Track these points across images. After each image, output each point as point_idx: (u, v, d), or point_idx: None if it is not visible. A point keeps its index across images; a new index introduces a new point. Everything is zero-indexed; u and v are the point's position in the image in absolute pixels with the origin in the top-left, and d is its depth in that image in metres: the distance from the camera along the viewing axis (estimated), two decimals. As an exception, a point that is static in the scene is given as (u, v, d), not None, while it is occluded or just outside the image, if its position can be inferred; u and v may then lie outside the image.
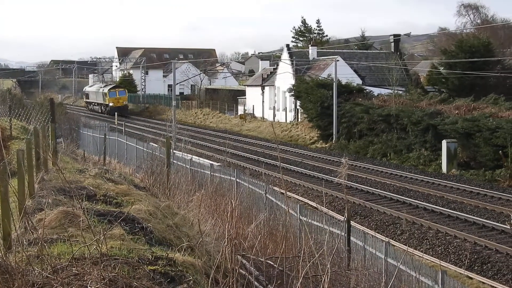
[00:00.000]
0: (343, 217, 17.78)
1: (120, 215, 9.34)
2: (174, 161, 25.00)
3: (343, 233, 15.12)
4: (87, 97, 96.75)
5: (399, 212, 25.19)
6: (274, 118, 65.71)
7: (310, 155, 43.35)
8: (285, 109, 63.63)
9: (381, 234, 22.29)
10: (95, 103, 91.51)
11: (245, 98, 75.57)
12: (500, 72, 47.92)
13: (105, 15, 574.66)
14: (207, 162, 30.29)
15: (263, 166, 33.39)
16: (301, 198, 28.72)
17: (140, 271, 6.95)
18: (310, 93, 51.17)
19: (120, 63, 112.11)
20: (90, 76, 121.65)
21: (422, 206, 26.60)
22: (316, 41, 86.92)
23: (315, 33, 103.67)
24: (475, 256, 20.00)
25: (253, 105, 71.79)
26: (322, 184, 30.93)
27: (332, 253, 9.26)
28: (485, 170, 33.48)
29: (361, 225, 23.70)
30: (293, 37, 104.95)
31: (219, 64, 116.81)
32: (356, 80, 55.59)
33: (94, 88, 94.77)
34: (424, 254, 19.88)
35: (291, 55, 63.78)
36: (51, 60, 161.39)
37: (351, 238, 15.24)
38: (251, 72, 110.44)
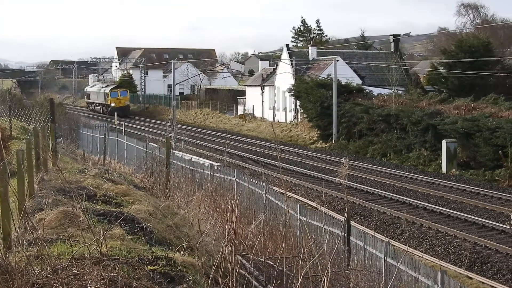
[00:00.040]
0: (343, 217, 17.79)
1: (120, 215, 9.34)
2: (174, 161, 25.00)
3: (343, 233, 15.12)
4: (88, 97, 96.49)
5: (399, 212, 25.19)
6: (274, 118, 65.71)
7: (310, 155, 43.35)
8: (285, 109, 63.63)
9: (381, 234, 22.29)
10: (97, 103, 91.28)
11: (245, 98, 75.57)
12: (500, 72, 47.91)
13: (105, 15, 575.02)
14: (207, 162, 30.28)
15: (263, 166, 33.42)
16: (301, 198, 28.71)
17: (140, 271, 6.95)
18: (310, 93, 51.18)
19: (119, 63, 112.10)
20: (90, 76, 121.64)
21: (422, 206, 26.60)
22: (315, 41, 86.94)
23: (314, 33, 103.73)
24: (475, 256, 20.00)
25: (253, 105, 71.80)
26: (322, 184, 30.93)
27: (332, 253, 9.27)
28: (485, 170, 33.48)
29: (361, 225, 23.70)
30: (292, 37, 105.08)
31: (218, 64, 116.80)
32: (356, 80, 55.60)
33: (96, 88, 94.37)
34: (424, 254, 19.88)
35: (290, 55, 63.78)
36: (51, 60, 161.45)
37: (351, 238, 15.24)
38: (251, 72, 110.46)
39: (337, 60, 51.55)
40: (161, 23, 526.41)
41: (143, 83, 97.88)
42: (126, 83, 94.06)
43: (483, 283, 18.10)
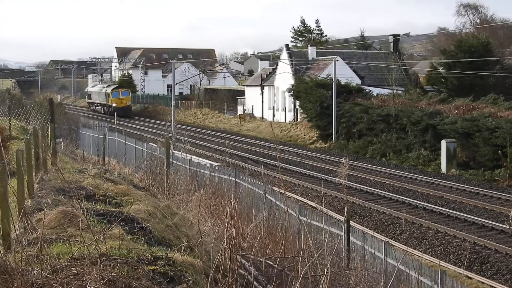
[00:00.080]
0: (343, 217, 17.79)
1: (120, 215, 9.34)
2: (173, 161, 24.99)
3: (342, 233, 15.12)
4: (90, 98, 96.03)
5: (399, 212, 25.20)
6: (273, 118, 65.72)
7: (309, 155, 43.35)
8: (284, 109, 63.63)
9: (380, 234, 22.31)
10: (98, 103, 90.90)
11: (245, 98, 75.58)
12: (500, 72, 47.91)
13: (105, 15, 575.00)
14: (206, 162, 30.28)
15: (263, 166, 33.39)
16: (300, 198, 28.71)
17: (139, 271, 6.95)
18: (310, 93, 51.18)
19: (119, 63, 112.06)
20: (90, 76, 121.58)
21: (421, 206, 26.60)
22: (315, 41, 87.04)
23: (314, 33, 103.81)
24: (475, 256, 20.00)
25: (253, 105, 71.79)
26: (321, 184, 30.94)
27: (332, 253, 9.28)
28: (484, 170, 33.48)
29: (361, 225, 23.69)
30: (292, 37, 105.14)
31: (218, 64, 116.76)
32: (356, 80, 55.61)
33: (97, 88, 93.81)
34: (424, 254, 19.88)
35: (290, 55, 63.80)
36: (51, 60, 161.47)
37: (351, 238, 15.23)
38: (250, 72, 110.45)
39: (337, 60, 51.56)
40: (161, 23, 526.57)
41: (142, 83, 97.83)
42: (126, 83, 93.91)
43: (482, 283, 18.10)
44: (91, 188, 12.39)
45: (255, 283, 8.45)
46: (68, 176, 13.71)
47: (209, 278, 7.47)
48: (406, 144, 40.39)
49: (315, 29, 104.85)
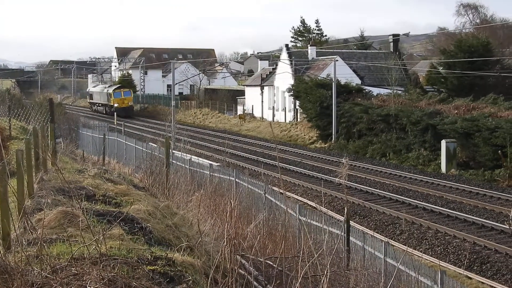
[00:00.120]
0: (343, 217, 17.79)
1: (119, 215, 9.34)
2: (173, 161, 25.00)
3: (342, 233, 15.12)
4: (91, 98, 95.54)
5: (399, 212, 25.20)
6: (273, 118, 65.73)
7: (309, 155, 43.35)
8: (284, 109, 63.64)
9: (380, 234, 22.32)
10: (99, 103, 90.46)
11: (244, 98, 75.59)
12: (499, 72, 47.90)
13: (105, 15, 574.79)
14: (206, 162, 30.28)
15: (262, 166, 33.40)
16: (300, 198, 28.71)
17: (139, 271, 6.95)
18: (309, 93, 51.18)
19: (119, 63, 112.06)
20: (89, 76, 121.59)
21: (421, 206, 26.60)
22: (315, 41, 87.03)
23: (314, 33, 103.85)
24: (474, 256, 20.00)
25: (252, 105, 71.80)
26: (321, 184, 30.94)
27: (332, 253, 9.27)
28: (484, 170, 33.49)
29: (361, 225, 23.69)
30: (292, 37, 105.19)
31: (218, 64, 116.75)
32: (355, 80, 55.62)
33: (98, 88, 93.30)
34: (424, 254, 19.88)
35: (290, 55, 63.80)
36: (50, 60, 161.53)
37: (351, 238, 15.23)
38: (250, 72, 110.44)
39: (337, 60, 51.56)
40: (161, 23, 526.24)
41: (142, 83, 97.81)
42: (126, 83, 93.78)
43: (482, 283, 18.10)
44: (91, 188, 12.39)
45: (255, 283, 8.45)
46: (68, 176, 13.71)
47: (209, 278, 7.47)
48: (406, 144, 40.40)
49: (315, 29, 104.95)
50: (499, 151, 32.88)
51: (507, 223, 22.79)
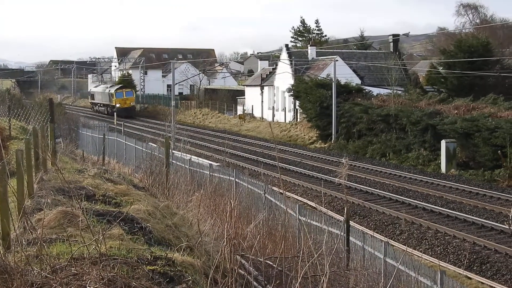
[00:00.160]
0: (342, 217, 17.79)
1: (119, 215, 9.34)
2: (173, 161, 25.00)
3: (342, 233, 15.12)
4: (93, 98, 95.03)
5: (398, 212, 25.20)
6: (273, 118, 65.73)
7: (309, 155, 43.35)
8: (284, 109, 63.64)
9: (380, 234, 22.32)
10: (101, 104, 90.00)
11: (244, 98, 75.59)
12: (499, 72, 47.89)
13: (105, 15, 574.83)
14: (206, 162, 30.28)
15: (262, 166, 33.42)
16: (300, 198, 28.72)
17: (139, 271, 6.95)
18: (309, 93, 51.18)
19: (119, 63, 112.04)
20: (89, 76, 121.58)
21: (421, 206, 26.60)
22: (315, 41, 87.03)
23: (314, 33, 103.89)
24: (474, 256, 20.00)
25: (252, 105, 71.80)
26: (321, 184, 30.94)
27: (331, 253, 9.26)
28: (484, 170, 33.49)
29: (360, 225, 23.69)
30: (292, 37, 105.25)
31: (218, 64, 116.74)
32: (355, 80, 55.62)
33: (100, 88, 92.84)
34: (423, 254, 19.88)
35: (290, 55, 63.80)
36: (50, 60, 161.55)
37: (350, 238, 15.24)
38: (250, 72, 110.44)
39: (337, 60, 51.56)
40: (160, 23, 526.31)
41: (142, 83, 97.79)
42: (126, 83, 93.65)
43: (482, 283, 18.10)
44: (90, 188, 12.39)
45: (254, 283, 8.45)
46: (68, 176, 13.71)
47: (209, 278, 7.47)
48: (406, 144, 40.40)
49: (315, 29, 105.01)
50: (499, 151, 32.88)
51: (507, 223, 22.79)
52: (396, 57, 60.05)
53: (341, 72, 51.95)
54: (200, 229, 9.63)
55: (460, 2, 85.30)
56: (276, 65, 69.04)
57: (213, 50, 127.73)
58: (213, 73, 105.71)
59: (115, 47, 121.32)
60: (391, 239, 21.78)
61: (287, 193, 28.34)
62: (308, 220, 16.73)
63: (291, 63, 60.42)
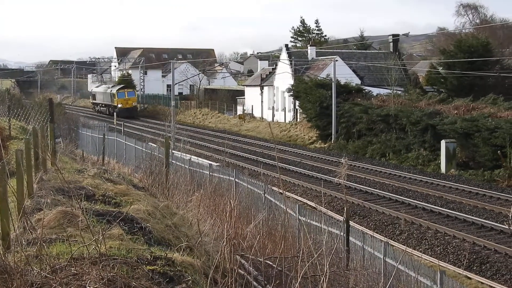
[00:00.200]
0: (342, 217, 17.79)
1: (119, 215, 9.34)
2: (173, 161, 25.00)
3: (342, 233, 15.12)
4: (94, 98, 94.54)
5: (398, 212, 25.20)
6: (273, 118, 65.73)
7: (309, 155, 43.35)
8: (284, 109, 63.64)
9: (380, 234, 22.31)
10: (102, 104, 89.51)
11: (244, 98, 75.59)
12: (499, 72, 47.88)
13: (105, 15, 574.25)
14: (206, 162, 30.28)
15: (262, 166, 33.43)
16: (300, 198, 28.72)
17: (139, 271, 6.95)
18: (309, 93, 51.18)
19: (118, 63, 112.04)
20: (89, 76, 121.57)
21: (421, 206, 26.60)
22: (315, 41, 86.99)
23: (314, 33, 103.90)
24: (474, 256, 20.00)
25: (252, 105, 71.80)
26: (321, 184, 30.93)
27: (331, 253, 9.27)
28: (484, 170, 33.48)
29: (360, 225, 23.68)
30: (292, 37, 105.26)
31: (218, 64, 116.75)
32: (355, 80, 55.62)
33: (101, 88, 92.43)
34: (423, 254, 19.88)
35: (290, 55, 63.80)
36: (50, 60, 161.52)
37: (350, 238, 15.23)
38: (250, 72, 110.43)
39: (336, 60, 51.55)
40: (160, 23, 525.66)
41: (142, 83, 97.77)
42: (125, 83, 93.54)
43: (482, 283, 18.10)
44: (90, 188, 12.39)
45: (254, 283, 8.45)
46: (68, 176, 13.71)
47: (209, 278, 7.47)
48: (406, 144, 40.40)
49: (315, 29, 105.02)
50: (499, 151, 32.88)
51: (506, 223, 22.79)
52: (396, 57, 60.01)
53: (341, 72, 51.95)
54: (199, 229, 9.64)
55: (460, 2, 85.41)
56: (276, 65, 69.04)
57: (213, 50, 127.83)
58: (213, 73, 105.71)
59: (115, 47, 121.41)
60: (391, 239, 21.78)
61: (287, 193, 28.35)
62: (308, 220, 16.72)
63: (291, 63, 60.42)
